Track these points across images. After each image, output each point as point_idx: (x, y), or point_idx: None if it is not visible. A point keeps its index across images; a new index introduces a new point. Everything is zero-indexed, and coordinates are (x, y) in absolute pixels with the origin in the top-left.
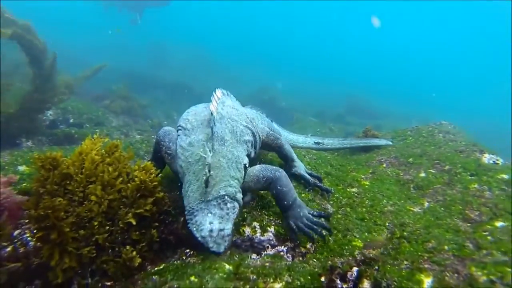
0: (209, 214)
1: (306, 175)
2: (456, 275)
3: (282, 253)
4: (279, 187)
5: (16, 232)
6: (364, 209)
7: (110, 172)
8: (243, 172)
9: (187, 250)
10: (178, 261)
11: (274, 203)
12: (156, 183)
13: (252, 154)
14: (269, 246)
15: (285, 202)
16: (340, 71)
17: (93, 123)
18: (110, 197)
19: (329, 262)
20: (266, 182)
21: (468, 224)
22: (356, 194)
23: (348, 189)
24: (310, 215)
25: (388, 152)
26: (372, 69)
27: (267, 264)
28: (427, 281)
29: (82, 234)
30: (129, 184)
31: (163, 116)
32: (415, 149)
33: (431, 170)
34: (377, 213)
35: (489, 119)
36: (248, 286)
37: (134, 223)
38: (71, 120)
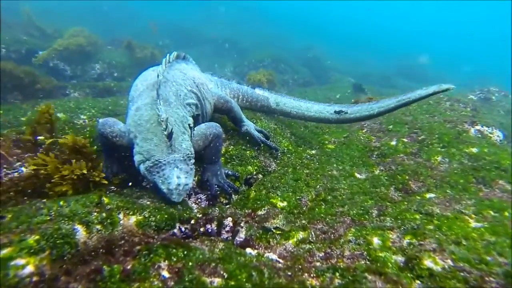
0: (176, 169)
1: (256, 132)
2: (327, 235)
3: (199, 200)
4: (217, 144)
5: (17, 164)
6: (306, 171)
7: None
8: (190, 131)
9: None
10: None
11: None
12: None
13: (197, 115)
14: (193, 193)
15: (213, 157)
16: (399, 43)
17: (134, 77)
18: None
19: (210, 211)
20: (212, 137)
21: (401, 194)
22: (309, 156)
23: (308, 151)
24: (224, 174)
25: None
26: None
27: (152, 204)
28: (297, 236)
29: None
30: None
31: (204, 70)
32: (407, 117)
33: (404, 139)
34: (318, 176)
35: None
36: (104, 214)
37: None
38: (115, 74)
